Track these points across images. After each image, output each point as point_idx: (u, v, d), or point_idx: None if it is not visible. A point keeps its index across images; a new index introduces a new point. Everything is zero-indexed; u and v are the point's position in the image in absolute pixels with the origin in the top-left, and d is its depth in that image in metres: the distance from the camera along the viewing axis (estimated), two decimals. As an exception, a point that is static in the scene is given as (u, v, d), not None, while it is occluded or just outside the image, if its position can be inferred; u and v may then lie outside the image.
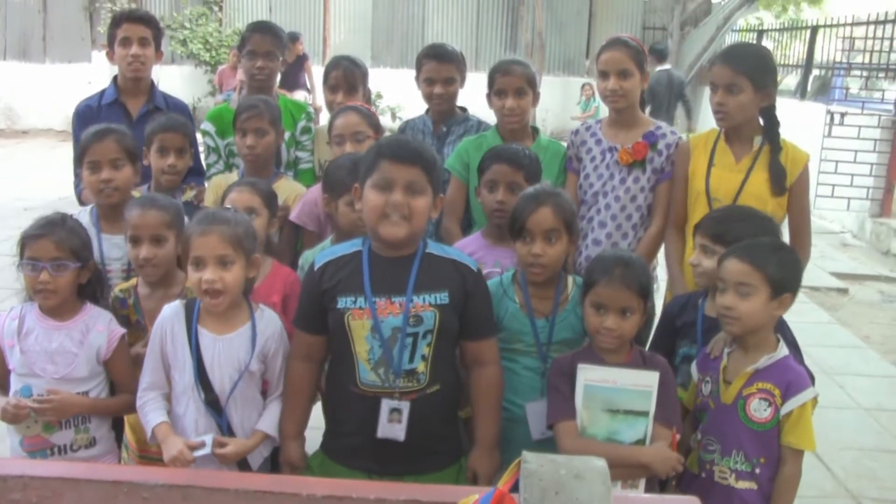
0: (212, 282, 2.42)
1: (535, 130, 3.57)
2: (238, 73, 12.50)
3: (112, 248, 2.97)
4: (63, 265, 2.54)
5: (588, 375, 2.42)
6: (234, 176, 3.52)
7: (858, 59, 11.35)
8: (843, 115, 9.54)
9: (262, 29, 3.90)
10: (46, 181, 11.04)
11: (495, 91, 3.46)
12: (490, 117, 3.65)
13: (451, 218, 3.47)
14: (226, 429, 2.51)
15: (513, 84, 3.41)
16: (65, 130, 15.97)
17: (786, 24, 16.88)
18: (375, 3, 16.62)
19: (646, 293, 2.47)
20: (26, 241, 2.55)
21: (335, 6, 16.37)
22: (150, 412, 2.50)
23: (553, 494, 1.39)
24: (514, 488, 1.53)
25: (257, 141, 3.37)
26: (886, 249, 9.16)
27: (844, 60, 11.61)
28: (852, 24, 11.06)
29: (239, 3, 16.47)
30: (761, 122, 3.14)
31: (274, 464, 2.71)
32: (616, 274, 2.45)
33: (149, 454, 2.83)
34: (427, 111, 3.88)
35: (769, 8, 19.07)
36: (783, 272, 2.44)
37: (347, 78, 3.80)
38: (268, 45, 3.82)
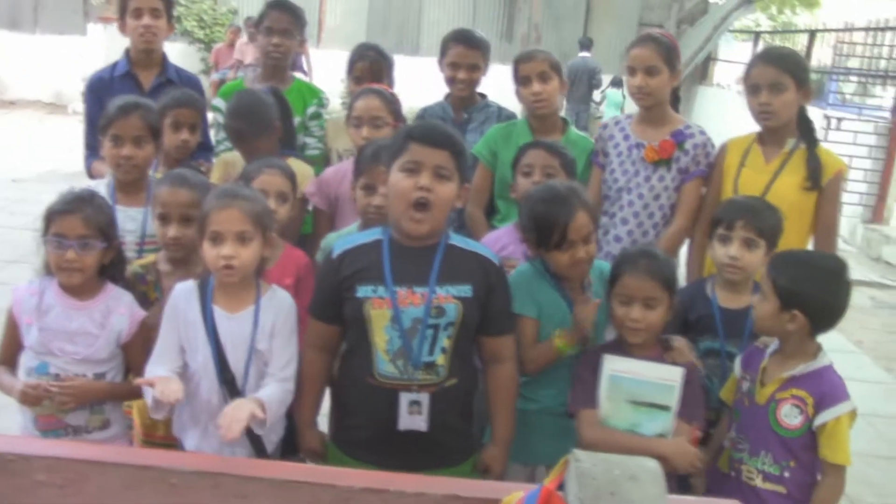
0: (230, 258, 2.37)
1: (566, 122, 3.54)
2: (234, 52, 12.46)
3: (127, 221, 2.90)
4: (90, 244, 2.47)
5: (613, 366, 2.42)
6: (240, 155, 3.45)
7: (850, 63, 11.40)
8: (839, 119, 9.57)
9: (280, 6, 3.82)
10: (35, 153, 10.93)
11: (520, 79, 3.43)
12: (511, 105, 3.62)
13: (475, 204, 3.43)
14: None
15: (535, 69, 3.39)
16: (53, 103, 15.81)
17: (781, 27, 16.92)
18: (372, -12, 16.56)
19: (671, 286, 2.47)
20: (53, 216, 2.48)
21: (332, -12, 16.28)
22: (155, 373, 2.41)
23: (608, 495, 1.36)
24: (559, 486, 1.50)
25: (248, 157, 3.24)
26: (877, 256, 9.21)
27: (839, 65, 11.64)
28: (851, 30, 11.09)
29: (234, -19, 16.32)
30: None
31: (285, 450, 2.67)
32: (641, 265, 2.45)
33: (153, 438, 2.79)
34: (446, 97, 3.82)
35: (766, 10, 19.11)
36: (792, 286, 2.38)
37: (373, 69, 3.73)
38: (285, 22, 3.75)
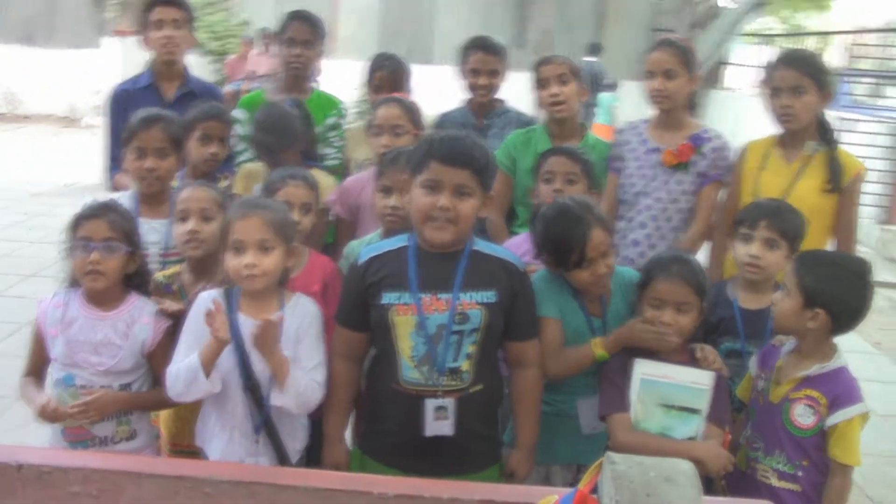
0: (252, 266, 2.38)
1: (584, 128, 3.55)
2: (247, 63, 12.53)
3: (150, 232, 2.93)
4: (115, 247, 2.50)
5: (645, 370, 2.45)
6: (262, 165, 3.47)
7: (861, 65, 11.37)
8: (853, 121, 9.51)
9: (301, 17, 3.86)
10: (52, 166, 11.02)
11: (539, 82, 3.45)
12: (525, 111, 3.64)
13: (495, 211, 3.44)
14: (264, 416, 2.46)
15: (554, 71, 3.41)
16: (67, 117, 15.95)
17: (792, 31, 16.88)
18: (384, -2, 16.63)
19: (702, 291, 2.49)
20: (79, 221, 2.51)
21: (344, -1, 16.35)
22: (183, 363, 2.40)
23: (644, 497, 1.36)
24: (593, 490, 1.50)
25: (273, 167, 3.25)
26: (893, 257, 9.15)
27: (851, 67, 11.61)
28: (863, 31, 11.07)
29: (246, -8, 16.41)
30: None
31: (309, 460, 2.68)
32: (674, 270, 2.48)
33: (180, 447, 2.82)
34: (467, 102, 3.84)
35: (777, 14, 19.06)
36: (818, 286, 2.39)
37: (391, 79, 3.76)
38: (306, 33, 3.79)
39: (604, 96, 13.43)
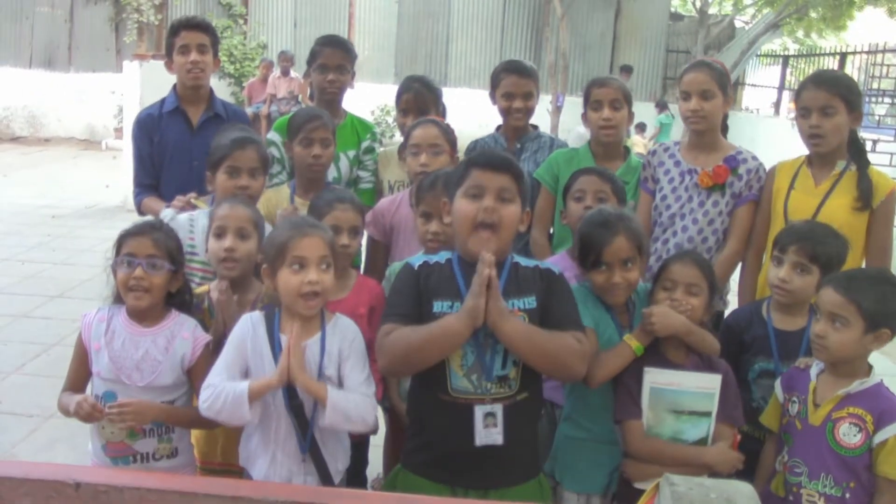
0: (315, 283, 2.40)
1: (627, 150, 3.57)
2: (267, 86, 12.63)
3: None
4: (158, 264, 2.54)
5: (654, 378, 2.51)
6: (285, 189, 3.48)
7: (879, 84, 11.35)
8: (875, 141, 9.49)
9: (333, 43, 3.89)
10: (72, 189, 11.10)
11: (591, 104, 3.48)
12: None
13: (539, 228, 3.48)
14: (309, 436, 2.47)
15: (608, 95, 3.44)
16: (87, 139, 16.13)
17: (808, 51, 16.88)
18: (400, 21, 16.77)
19: (711, 278, 2.60)
20: (124, 238, 2.56)
21: (360, 23, 16.50)
22: (230, 385, 2.40)
23: (707, 519, 1.36)
24: (651, 512, 1.50)
25: (323, 151, 3.35)
26: (917, 277, 9.07)
27: (870, 87, 11.59)
28: (882, 52, 11.06)
29: (264, 16, 16.60)
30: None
31: (350, 482, 2.67)
32: (686, 256, 2.64)
33: (212, 466, 2.83)
34: (498, 128, 3.87)
35: (792, 34, 19.08)
36: (881, 307, 2.39)
37: (418, 101, 3.78)
38: (339, 58, 3.82)
39: (663, 117, 13.71)
